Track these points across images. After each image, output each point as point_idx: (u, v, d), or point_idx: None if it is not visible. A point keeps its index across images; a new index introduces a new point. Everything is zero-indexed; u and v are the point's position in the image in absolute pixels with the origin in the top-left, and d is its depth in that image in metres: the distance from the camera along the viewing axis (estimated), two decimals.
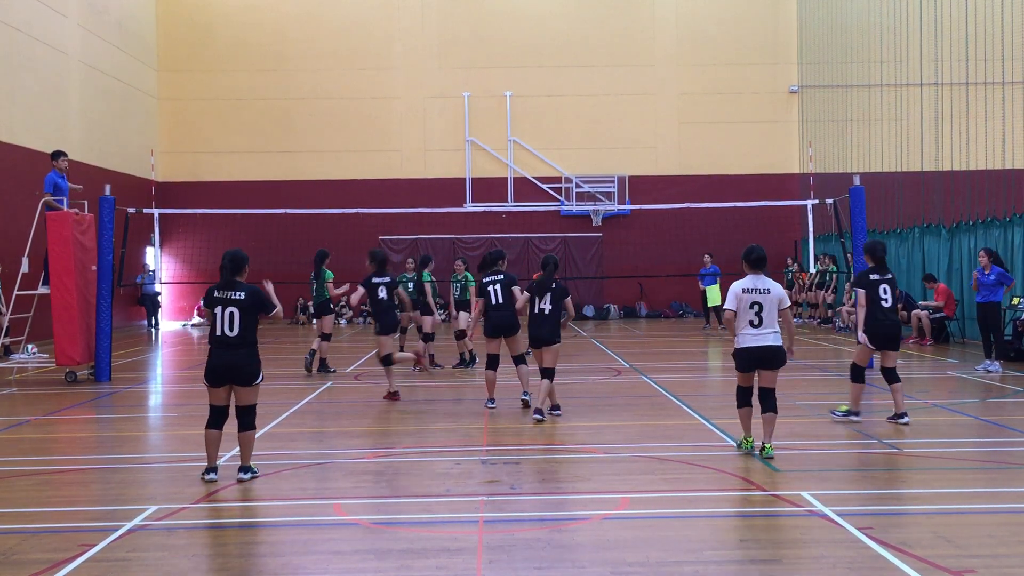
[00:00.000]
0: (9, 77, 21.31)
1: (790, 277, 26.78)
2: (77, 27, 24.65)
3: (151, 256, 27.72)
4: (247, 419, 8.04)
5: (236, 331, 7.93)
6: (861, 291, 10.18)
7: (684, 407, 11.52)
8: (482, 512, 6.89)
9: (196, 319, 28.98)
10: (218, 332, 7.96)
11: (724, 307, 8.69)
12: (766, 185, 29.53)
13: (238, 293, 7.99)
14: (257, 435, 9.84)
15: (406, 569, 5.71)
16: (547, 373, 10.76)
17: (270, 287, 8.45)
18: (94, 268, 15.15)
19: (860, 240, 15.86)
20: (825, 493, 7.25)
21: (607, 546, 6.07)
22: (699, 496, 7.35)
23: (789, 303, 8.71)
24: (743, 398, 8.78)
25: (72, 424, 11.42)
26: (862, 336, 10.18)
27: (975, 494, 7.45)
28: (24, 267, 15.77)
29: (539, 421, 10.53)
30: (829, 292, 25.28)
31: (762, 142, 30.64)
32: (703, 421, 10.54)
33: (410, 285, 16.33)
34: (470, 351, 16.05)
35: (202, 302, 8.35)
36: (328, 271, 16.01)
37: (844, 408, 10.35)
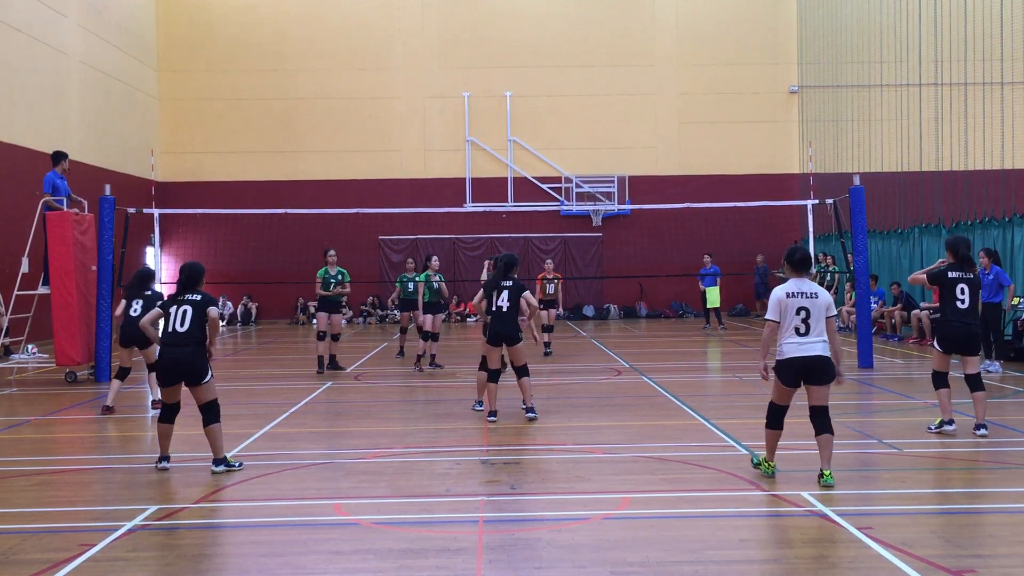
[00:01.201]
0: (9, 77, 21.31)
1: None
2: (77, 27, 24.65)
3: (151, 256, 27.70)
4: (208, 415, 8.21)
5: (186, 327, 8.15)
6: (926, 280, 9.60)
7: (684, 407, 11.52)
8: (482, 512, 6.89)
9: None
10: (169, 329, 8.20)
11: (766, 317, 7.73)
12: (766, 185, 29.53)
13: (194, 295, 8.30)
14: (257, 435, 9.92)
15: (406, 569, 5.71)
16: (522, 371, 10.79)
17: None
18: (94, 268, 15.16)
19: (860, 240, 15.87)
20: (825, 493, 7.25)
21: (607, 546, 6.07)
22: (699, 496, 7.34)
23: (835, 312, 7.74)
24: (775, 418, 7.78)
25: (72, 424, 11.42)
26: (935, 342, 9.62)
27: (975, 494, 7.45)
28: (24, 267, 15.77)
29: (533, 419, 10.60)
30: (831, 293, 25.25)
31: (762, 142, 30.64)
32: (703, 421, 10.54)
33: (411, 286, 16.27)
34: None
35: (158, 309, 8.47)
36: (324, 268, 15.89)
37: (938, 421, 9.62)
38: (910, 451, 8.85)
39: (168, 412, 8.39)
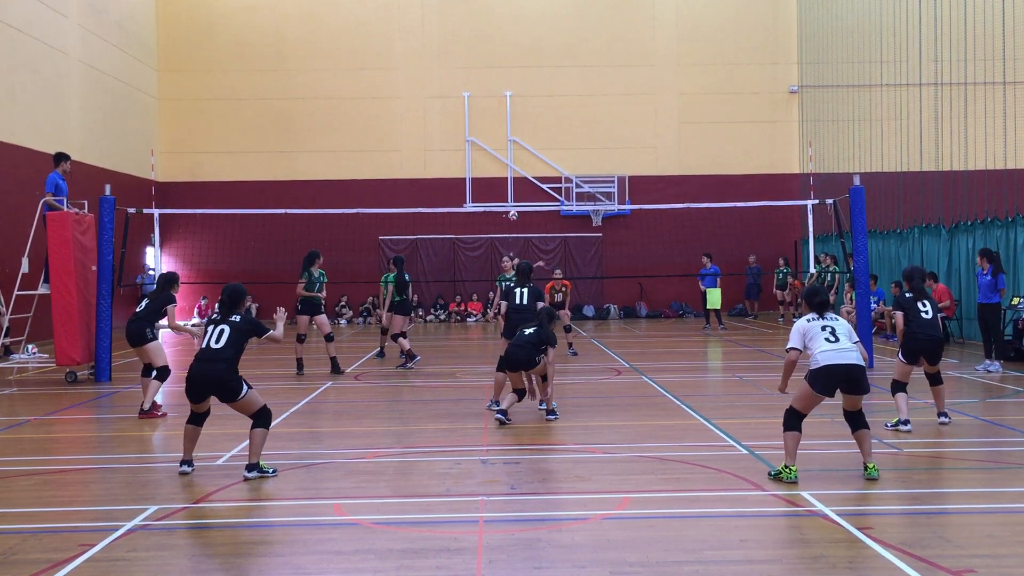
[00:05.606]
0: (9, 77, 21.31)
1: (782, 277, 26.55)
2: (77, 27, 24.65)
3: (151, 256, 27.71)
4: (259, 421, 8.15)
5: (220, 344, 8.10)
6: (899, 313, 10.00)
7: (684, 407, 11.52)
8: (482, 512, 6.89)
9: (196, 319, 28.97)
10: (203, 344, 8.16)
11: (788, 347, 7.78)
12: (766, 185, 29.55)
13: (234, 317, 8.28)
14: None
15: (406, 569, 5.71)
16: (544, 379, 10.88)
17: (281, 314, 8.89)
18: (94, 268, 15.15)
19: (860, 240, 15.87)
20: (825, 493, 7.24)
21: (607, 546, 6.07)
22: (699, 496, 7.34)
23: (857, 339, 7.75)
24: (793, 421, 7.70)
25: (72, 424, 11.42)
26: (901, 354, 10.01)
27: (975, 494, 7.45)
28: (24, 267, 15.77)
29: (551, 420, 10.67)
30: (830, 293, 25.24)
31: (762, 142, 30.65)
32: (703, 421, 10.54)
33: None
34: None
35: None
36: (310, 272, 15.82)
37: (894, 420, 9.86)
38: (910, 451, 8.85)
39: (197, 416, 8.33)
